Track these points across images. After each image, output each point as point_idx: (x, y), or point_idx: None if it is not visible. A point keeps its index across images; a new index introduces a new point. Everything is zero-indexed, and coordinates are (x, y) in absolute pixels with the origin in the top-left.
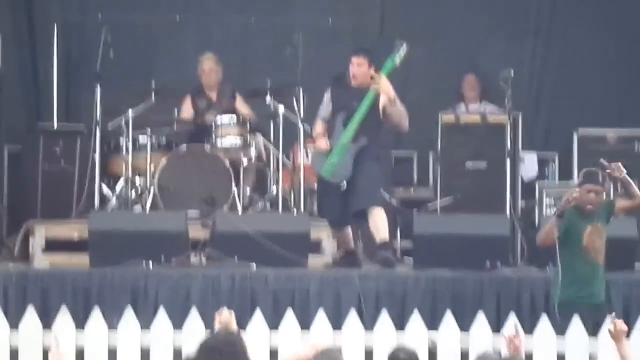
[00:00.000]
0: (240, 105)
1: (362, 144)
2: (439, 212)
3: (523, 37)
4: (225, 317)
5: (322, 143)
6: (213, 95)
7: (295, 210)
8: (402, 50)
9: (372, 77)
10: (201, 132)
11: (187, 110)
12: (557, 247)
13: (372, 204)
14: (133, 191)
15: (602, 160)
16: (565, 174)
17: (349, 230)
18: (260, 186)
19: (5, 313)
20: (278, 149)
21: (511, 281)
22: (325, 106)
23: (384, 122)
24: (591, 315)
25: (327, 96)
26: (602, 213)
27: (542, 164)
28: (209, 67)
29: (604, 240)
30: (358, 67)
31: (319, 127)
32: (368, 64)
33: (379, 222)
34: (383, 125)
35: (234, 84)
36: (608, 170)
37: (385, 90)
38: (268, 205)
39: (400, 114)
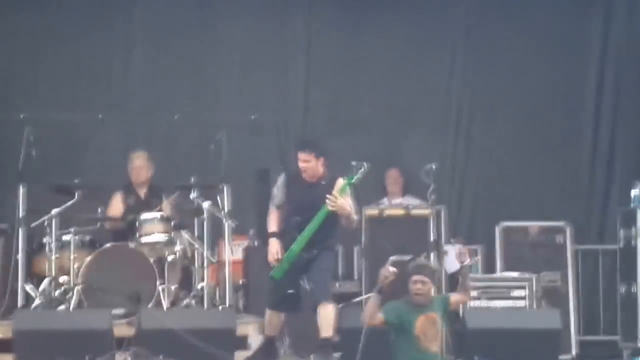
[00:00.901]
0: (165, 207)
1: (312, 255)
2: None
3: (444, 131)
4: None
5: (274, 253)
6: (142, 193)
7: (221, 306)
8: (361, 172)
9: (330, 193)
10: (126, 229)
11: (116, 208)
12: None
13: (326, 298)
14: (57, 290)
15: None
16: (489, 266)
17: (282, 317)
18: (186, 282)
19: None
20: (203, 245)
21: None
22: (279, 192)
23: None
24: None
25: (280, 180)
26: (436, 304)
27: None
28: (139, 165)
29: (439, 329)
30: (305, 163)
31: (272, 220)
32: (315, 158)
33: (329, 318)
34: (337, 224)
35: (159, 181)
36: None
37: (342, 209)
38: (194, 301)
39: (352, 222)
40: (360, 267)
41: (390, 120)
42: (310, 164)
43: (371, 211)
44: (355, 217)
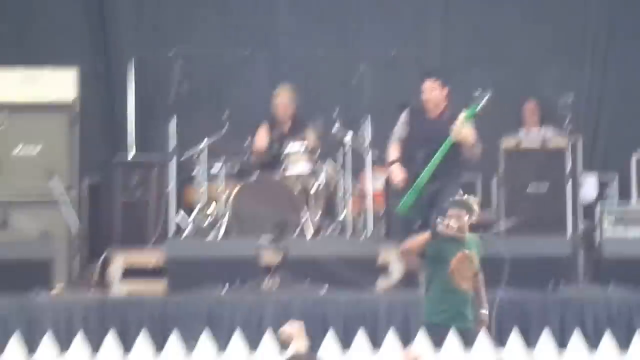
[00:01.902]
0: (310, 138)
1: (436, 187)
2: (503, 235)
3: (581, 62)
4: (289, 332)
5: (398, 176)
6: (286, 127)
7: (363, 234)
8: (485, 99)
9: (454, 123)
10: (272, 161)
11: (262, 139)
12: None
13: None
14: (207, 219)
15: None
16: (624, 195)
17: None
18: (330, 212)
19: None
20: (346, 176)
21: (574, 301)
22: (402, 127)
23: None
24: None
25: (404, 117)
26: (473, 244)
27: (602, 185)
28: (283, 100)
29: (474, 268)
30: (431, 92)
31: (394, 150)
32: (440, 86)
33: None
34: (462, 154)
35: (304, 114)
36: None
37: (465, 138)
38: (337, 230)
39: (475, 154)
40: (498, 197)
41: (527, 52)
42: (435, 93)
43: (508, 142)
44: (478, 147)
